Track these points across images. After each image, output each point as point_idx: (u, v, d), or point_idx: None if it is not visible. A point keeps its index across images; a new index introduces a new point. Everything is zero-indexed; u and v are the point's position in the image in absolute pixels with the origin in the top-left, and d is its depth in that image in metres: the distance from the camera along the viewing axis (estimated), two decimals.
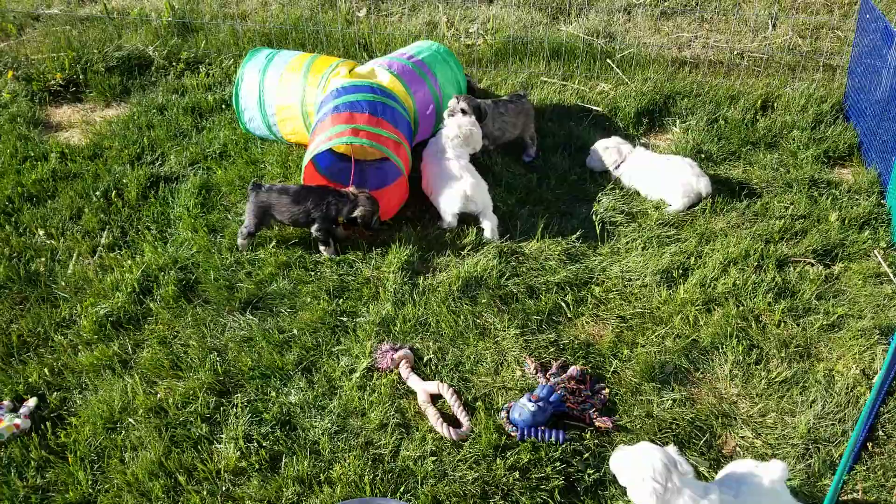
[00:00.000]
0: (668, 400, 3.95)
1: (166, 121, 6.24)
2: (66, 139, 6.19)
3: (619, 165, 5.54)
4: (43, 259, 4.86)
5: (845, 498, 3.51)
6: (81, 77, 6.82)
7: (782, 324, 4.38)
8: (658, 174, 5.38)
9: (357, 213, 4.86)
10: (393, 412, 3.89)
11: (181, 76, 6.92)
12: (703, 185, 5.29)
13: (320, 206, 4.86)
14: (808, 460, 3.64)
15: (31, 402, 3.93)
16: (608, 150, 5.58)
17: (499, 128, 5.75)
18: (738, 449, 3.73)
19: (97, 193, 5.41)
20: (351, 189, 4.99)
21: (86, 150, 5.93)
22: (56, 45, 7.13)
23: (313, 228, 4.90)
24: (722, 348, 4.23)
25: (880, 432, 3.79)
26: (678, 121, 6.28)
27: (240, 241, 4.95)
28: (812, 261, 4.81)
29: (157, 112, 6.37)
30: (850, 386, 4.00)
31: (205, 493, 3.52)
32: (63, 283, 4.69)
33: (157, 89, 6.73)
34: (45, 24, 7.71)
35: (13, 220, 5.22)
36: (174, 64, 7.01)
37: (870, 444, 3.73)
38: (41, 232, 5.09)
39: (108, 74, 6.84)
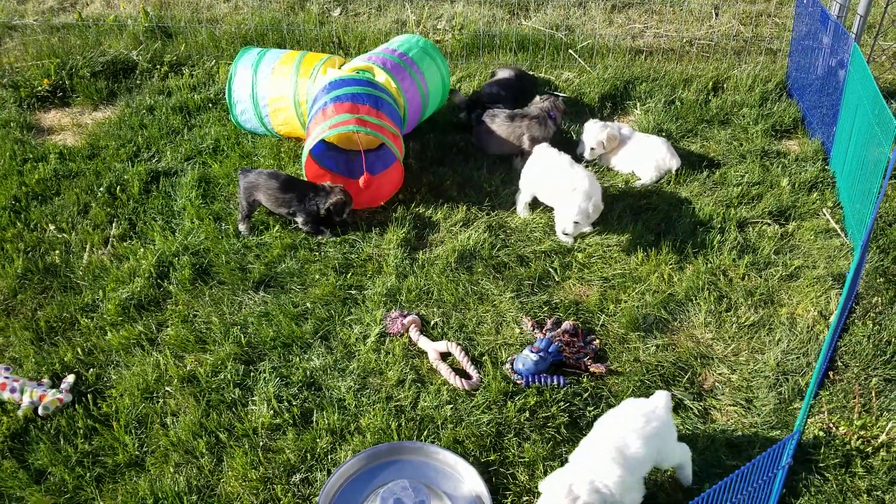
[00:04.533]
0: (651, 346, 4.42)
1: (157, 120, 6.49)
2: (61, 141, 6.40)
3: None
4: (57, 251, 5.11)
5: (813, 418, 4.02)
6: (67, 82, 7.02)
7: (746, 276, 4.90)
8: (632, 150, 5.87)
9: (329, 202, 5.22)
10: (408, 370, 4.28)
11: (165, 78, 7.16)
12: (674, 163, 5.79)
13: (303, 201, 5.22)
14: (779, 389, 4.14)
15: (70, 378, 4.21)
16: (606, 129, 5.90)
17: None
18: (716, 384, 4.21)
19: (101, 189, 5.65)
20: (327, 183, 5.36)
21: (83, 150, 6.16)
22: (39, 53, 7.32)
23: (300, 222, 5.25)
24: (695, 300, 4.72)
25: (839, 363, 4.31)
26: (638, 103, 6.78)
27: (240, 227, 5.27)
28: (769, 221, 5.35)
29: (147, 112, 6.62)
30: (809, 325, 4.53)
31: (246, 447, 3.86)
32: (81, 273, 4.95)
33: (144, 91, 6.97)
34: (23, 33, 7.87)
35: (22, 217, 5.44)
36: (158, 67, 7.25)
37: (831, 373, 4.25)
38: (52, 227, 5.33)
39: (94, 79, 7.05)
